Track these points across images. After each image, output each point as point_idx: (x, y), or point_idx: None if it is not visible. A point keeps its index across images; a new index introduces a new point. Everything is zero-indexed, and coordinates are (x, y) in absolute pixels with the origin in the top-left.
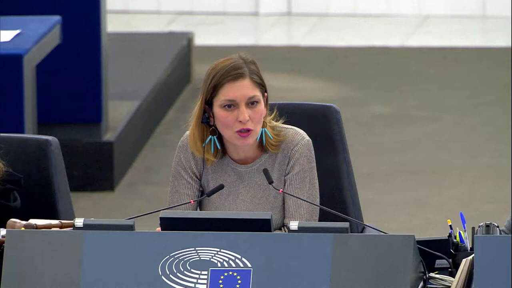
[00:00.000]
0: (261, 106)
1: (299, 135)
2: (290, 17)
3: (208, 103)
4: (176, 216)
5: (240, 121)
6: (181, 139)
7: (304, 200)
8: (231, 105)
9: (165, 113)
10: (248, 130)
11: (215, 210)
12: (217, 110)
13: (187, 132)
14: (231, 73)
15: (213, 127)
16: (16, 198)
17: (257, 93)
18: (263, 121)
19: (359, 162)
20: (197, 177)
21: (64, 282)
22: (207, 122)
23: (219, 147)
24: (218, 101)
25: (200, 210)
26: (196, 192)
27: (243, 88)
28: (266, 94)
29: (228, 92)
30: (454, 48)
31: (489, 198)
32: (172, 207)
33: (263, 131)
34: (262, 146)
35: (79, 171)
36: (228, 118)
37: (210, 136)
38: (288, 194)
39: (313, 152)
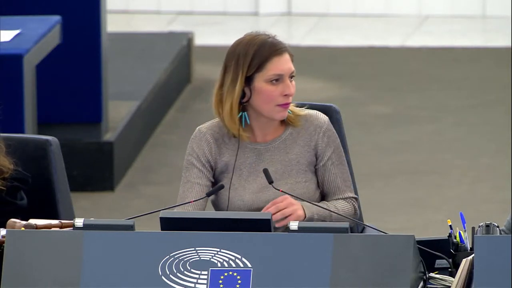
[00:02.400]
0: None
1: (321, 114)
2: (290, 17)
3: (247, 80)
4: (176, 216)
5: (286, 95)
6: (194, 133)
7: (304, 200)
8: (278, 79)
9: (165, 113)
10: (288, 103)
11: (235, 191)
12: (262, 85)
13: (203, 126)
14: (276, 48)
15: (244, 104)
16: (23, 197)
17: (293, 66)
18: None
19: (359, 162)
20: (210, 165)
21: (64, 282)
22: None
23: (248, 122)
24: (264, 76)
25: (217, 197)
26: (207, 182)
27: (288, 62)
28: None
29: (277, 66)
30: (454, 48)
31: (489, 198)
32: (176, 206)
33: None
34: (281, 123)
35: (79, 171)
36: (275, 93)
37: (241, 112)
38: (288, 194)
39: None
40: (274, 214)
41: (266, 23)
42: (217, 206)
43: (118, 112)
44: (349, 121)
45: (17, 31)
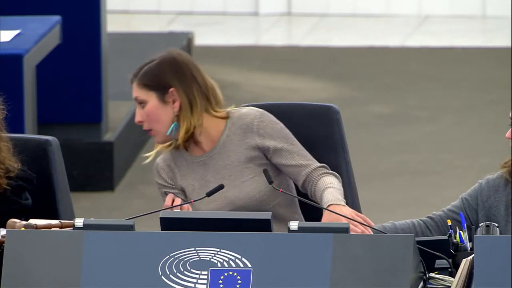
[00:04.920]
0: (149, 106)
1: (252, 110)
2: (290, 17)
3: None
4: (176, 216)
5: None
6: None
7: (305, 200)
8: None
9: None
10: (148, 130)
11: (200, 207)
12: None
13: (157, 158)
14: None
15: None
16: (27, 197)
17: (141, 94)
18: (180, 116)
19: (359, 162)
20: (177, 187)
21: (64, 282)
22: None
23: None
24: None
25: None
26: (185, 198)
27: (133, 91)
28: (171, 89)
29: None
30: (454, 48)
31: None
32: (172, 207)
33: (173, 127)
34: (217, 128)
35: (79, 171)
36: None
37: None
38: (288, 194)
39: (272, 116)
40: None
41: (266, 23)
42: None
43: (118, 112)
44: (349, 121)
45: (17, 31)
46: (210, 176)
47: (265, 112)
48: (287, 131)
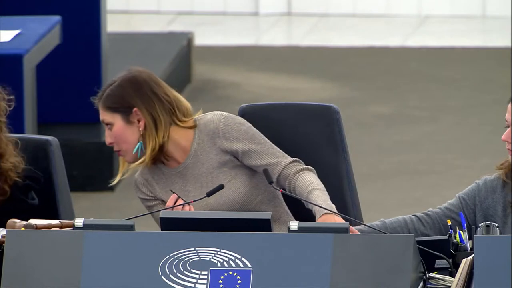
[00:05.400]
0: (116, 127)
1: (216, 115)
2: (290, 17)
3: None
4: (176, 216)
5: None
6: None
7: (305, 201)
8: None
9: None
10: (118, 151)
11: None
12: None
13: (135, 175)
14: None
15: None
16: (34, 197)
17: (106, 117)
18: (146, 135)
19: (359, 162)
20: (159, 199)
21: (64, 282)
22: None
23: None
24: None
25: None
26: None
27: (99, 113)
28: (135, 109)
29: None
30: (454, 48)
31: None
32: (172, 207)
33: (139, 146)
34: (187, 138)
35: (79, 171)
36: None
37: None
38: (288, 194)
39: (237, 118)
40: None
41: (266, 23)
42: None
43: None
44: (349, 121)
45: (17, 31)
46: (189, 185)
47: (230, 114)
48: (253, 130)
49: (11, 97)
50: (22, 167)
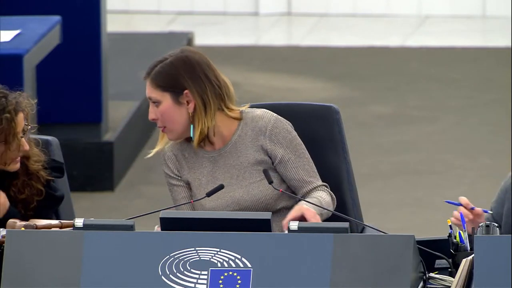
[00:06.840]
0: (164, 106)
1: (267, 114)
2: (290, 17)
3: None
4: (176, 216)
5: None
6: (161, 156)
7: (306, 201)
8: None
9: None
10: (162, 127)
11: (205, 204)
12: None
13: (166, 147)
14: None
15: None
16: (57, 189)
17: (155, 94)
18: (195, 117)
19: (359, 162)
20: (182, 179)
21: (64, 282)
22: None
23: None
24: None
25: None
26: (191, 192)
27: (147, 88)
28: (186, 91)
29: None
30: (454, 48)
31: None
32: (172, 207)
33: (191, 128)
34: (231, 127)
35: (79, 171)
36: None
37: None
38: (289, 194)
39: (286, 124)
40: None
41: (266, 23)
42: None
43: (118, 112)
44: (349, 121)
45: (17, 31)
46: (219, 173)
47: (280, 118)
48: (296, 141)
49: (35, 100)
50: (45, 160)
